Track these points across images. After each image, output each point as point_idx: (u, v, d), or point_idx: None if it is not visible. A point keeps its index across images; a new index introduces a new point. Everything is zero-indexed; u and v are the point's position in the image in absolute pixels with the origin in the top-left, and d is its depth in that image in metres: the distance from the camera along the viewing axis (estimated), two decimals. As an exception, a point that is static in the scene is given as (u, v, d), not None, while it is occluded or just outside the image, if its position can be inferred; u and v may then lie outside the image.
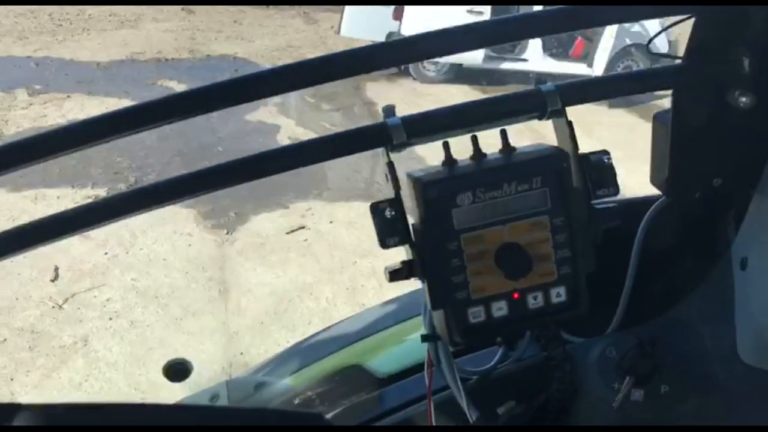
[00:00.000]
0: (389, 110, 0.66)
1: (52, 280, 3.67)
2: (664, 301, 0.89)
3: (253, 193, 4.63)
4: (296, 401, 1.06)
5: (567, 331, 0.86)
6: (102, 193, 4.47)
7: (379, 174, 4.94)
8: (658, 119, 0.77)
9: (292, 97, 6.44)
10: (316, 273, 3.95)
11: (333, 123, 5.83)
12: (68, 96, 6.00)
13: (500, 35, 0.65)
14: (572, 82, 0.69)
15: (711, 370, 0.83)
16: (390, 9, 7.18)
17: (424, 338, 0.75)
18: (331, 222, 4.49)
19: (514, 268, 0.65)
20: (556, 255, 0.67)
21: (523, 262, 0.65)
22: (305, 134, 5.64)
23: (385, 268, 0.65)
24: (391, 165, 0.66)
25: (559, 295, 0.67)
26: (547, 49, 7.77)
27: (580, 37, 7.74)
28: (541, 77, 0.70)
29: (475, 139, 0.68)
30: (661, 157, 0.78)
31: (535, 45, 7.59)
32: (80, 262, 3.82)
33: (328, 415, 0.93)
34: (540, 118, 0.69)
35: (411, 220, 0.65)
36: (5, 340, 3.29)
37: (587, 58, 7.63)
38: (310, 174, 4.87)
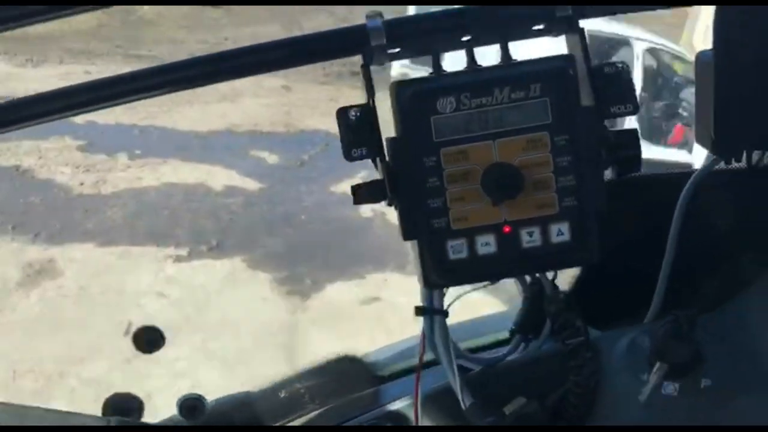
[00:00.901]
0: (374, 14, 0.56)
1: (125, 334, 3.69)
2: (717, 293, 0.72)
3: (331, 262, 4.60)
4: (282, 394, 0.94)
5: (594, 325, 0.70)
6: (184, 253, 4.53)
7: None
8: (700, 58, 0.63)
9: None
10: (386, 346, 3.81)
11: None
12: (164, 161, 6.26)
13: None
14: None
15: (765, 367, 0.66)
16: None
17: (418, 311, 0.63)
18: (407, 295, 4.36)
19: (501, 191, 0.52)
20: (558, 183, 0.54)
21: (513, 184, 0.52)
22: (388, 208, 5.60)
23: (352, 187, 0.55)
24: (366, 68, 0.56)
25: (560, 233, 0.55)
26: (643, 136, 7.52)
27: (679, 123, 7.48)
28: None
29: (470, 49, 0.56)
30: (705, 105, 0.63)
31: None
32: (153, 320, 3.83)
33: (313, 413, 0.79)
34: (548, 30, 0.56)
35: (384, 134, 0.55)
36: (73, 390, 3.30)
37: (687, 144, 7.34)
38: (388, 247, 4.81)
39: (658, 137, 7.54)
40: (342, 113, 0.56)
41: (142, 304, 3.91)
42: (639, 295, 0.70)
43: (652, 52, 7.29)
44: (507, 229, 0.55)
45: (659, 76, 7.38)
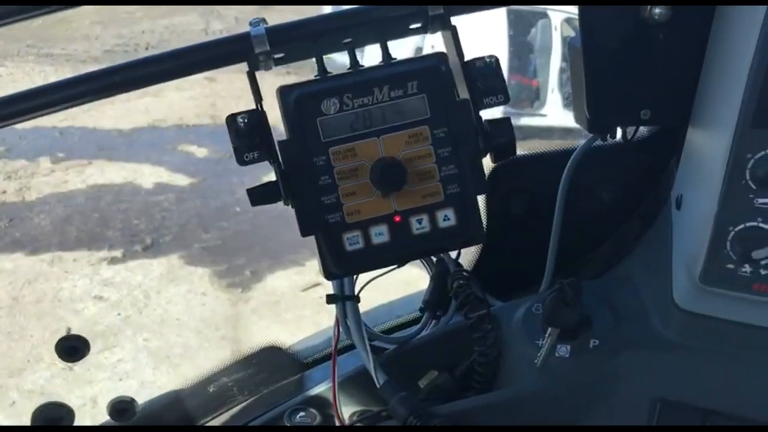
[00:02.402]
0: (257, 21, 0.61)
1: (64, 342, 3.64)
2: (604, 260, 0.80)
3: (269, 252, 4.60)
4: (211, 389, 0.96)
5: (498, 298, 0.77)
6: (118, 254, 4.46)
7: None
8: (571, 45, 0.71)
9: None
10: (330, 330, 3.88)
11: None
12: (90, 162, 6.09)
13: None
14: None
15: (648, 322, 0.73)
16: None
17: (329, 299, 0.69)
18: (347, 278, 4.42)
19: (388, 184, 0.58)
20: (441, 172, 0.59)
21: (398, 176, 0.58)
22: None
23: (247, 190, 0.58)
24: (251, 75, 0.60)
25: (447, 218, 0.60)
26: (567, 105, 7.74)
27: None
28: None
29: (351, 50, 0.61)
30: (579, 88, 0.70)
31: (553, 100, 7.58)
32: (93, 323, 3.79)
33: (241, 405, 0.85)
34: (423, 29, 0.62)
35: (276, 137, 0.59)
36: (14, 402, 3.24)
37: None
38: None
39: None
40: (231, 120, 0.59)
41: (80, 309, 3.85)
42: (536, 267, 0.76)
43: (569, 22, 7.49)
44: (397, 218, 0.59)
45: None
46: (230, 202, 5.50)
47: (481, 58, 0.60)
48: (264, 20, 0.60)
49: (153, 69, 0.60)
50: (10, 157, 5.76)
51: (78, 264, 4.33)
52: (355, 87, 0.58)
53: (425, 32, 0.62)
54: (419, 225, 0.60)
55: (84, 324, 3.77)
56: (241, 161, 0.58)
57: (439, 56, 0.60)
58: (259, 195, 0.59)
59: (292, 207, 0.60)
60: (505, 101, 0.60)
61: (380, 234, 0.60)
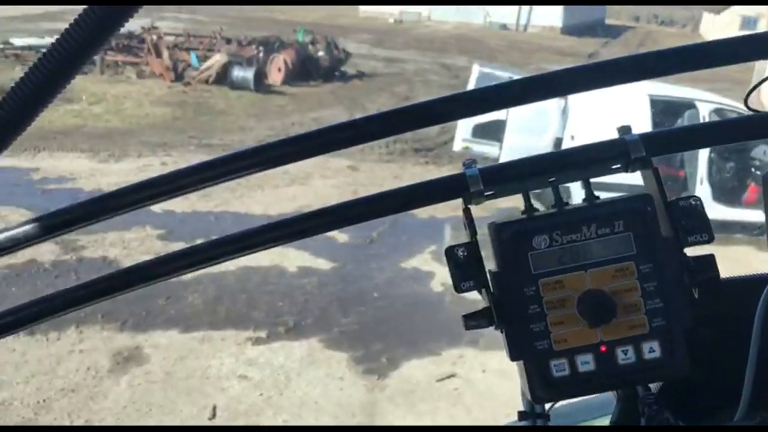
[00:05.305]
0: (469, 162, 0.65)
1: (210, 419, 3.78)
2: None
3: (405, 339, 4.62)
4: None
5: (685, 421, 0.72)
6: (263, 335, 4.65)
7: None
8: (765, 179, 0.68)
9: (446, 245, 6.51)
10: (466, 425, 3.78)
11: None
12: (240, 245, 6.48)
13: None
14: (657, 131, 0.65)
15: None
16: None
17: (521, 416, 0.68)
18: (483, 371, 4.33)
19: (597, 316, 0.59)
20: (646, 305, 0.60)
21: (607, 309, 0.59)
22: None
23: (462, 316, 0.61)
24: (467, 211, 0.64)
25: (652, 350, 0.60)
26: (717, 197, 7.33)
27: (753, 183, 7.30)
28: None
29: (555, 188, 0.64)
30: None
31: (702, 191, 7.22)
32: (237, 402, 3.93)
33: None
34: (625, 168, 0.64)
35: (488, 267, 0.62)
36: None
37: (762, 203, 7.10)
38: (460, 319, 4.80)
39: (731, 198, 7.36)
40: (450, 251, 0.63)
41: (225, 388, 4.01)
42: (727, 392, 0.72)
43: (718, 112, 7.24)
44: (603, 348, 0.60)
45: (727, 136, 7.23)
46: (368, 287, 5.62)
47: (686, 199, 0.62)
48: (475, 161, 0.65)
49: (373, 206, 0.66)
50: (170, 239, 6.23)
51: (225, 343, 4.54)
52: (565, 225, 0.61)
53: (626, 171, 0.65)
54: (624, 356, 0.61)
55: (229, 402, 3.91)
56: (458, 289, 0.62)
57: (645, 199, 0.62)
58: (473, 320, 0.62)
59: (501, 332, 0.62)
60: (710, 240, 0.61)
61: (586, 363, 0.61)
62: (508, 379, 4.15)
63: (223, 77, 12.54)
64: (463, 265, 0.62)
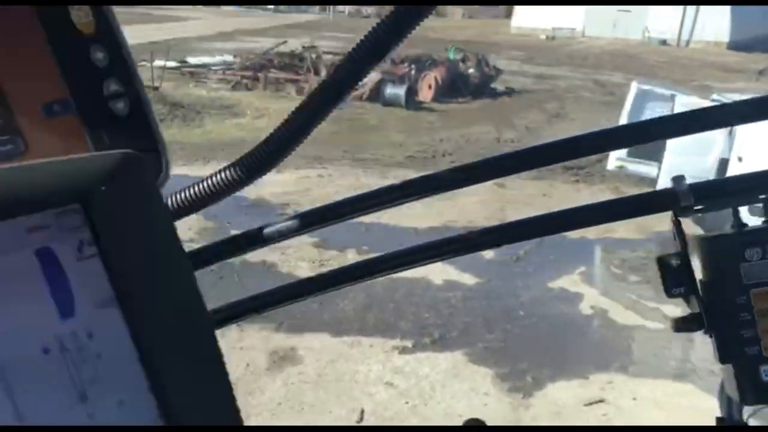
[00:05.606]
0: (679, 178, 0.69)
1: (358, 421, 3.93)
2: None
3: (551, 360, 4.56)
4: None
5: None
6: (409, 345, 4.76)
7: (693, 357, 4.54)
8: None
9: (597, 267, 6.35)
10: (615, 452, 3.67)
11: (641, 296, 5.57)
12: (388, 257, 6.67)
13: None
14: None
15: None
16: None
17: (719, 422, 0.71)
18: (634, 399, 4.18)
19: None
20: None
21: None
22: (610, 305, 5.46)
23: (672, 319, 0.66)
24: (677, 222, 0.68)
25: None
26: None
27: None
28: None
29: (766, 204, 0.67)
30: None
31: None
32: (384, 408, 4.06)
33: None
34: None
35: (698, 276, 0.66)
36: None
37: None
38: (611, 346, 4.68)
39: None
40: (662, 260, 0.68)
41: (373, 393, 4.15)
42: None
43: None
44: None
45: None
46: (514, 304, 5.59)
47: None
48: (683, 177, 0.70)
49: (581, 217, 0.72)
50: (324, 247, 6.52)
51: (373, 350, 4.70)
52: None
53: None
54: None
55: (375, 407, 4.05)
56: (669, 293, 0.68)
57: None
58: (683, 324, 0.67)
59: (710, 337, 0.67)
60: None
61: None
62: (661, 409, 3.98)
63: (375, 94, 12.93)
64: (675, 272, 0.67)
